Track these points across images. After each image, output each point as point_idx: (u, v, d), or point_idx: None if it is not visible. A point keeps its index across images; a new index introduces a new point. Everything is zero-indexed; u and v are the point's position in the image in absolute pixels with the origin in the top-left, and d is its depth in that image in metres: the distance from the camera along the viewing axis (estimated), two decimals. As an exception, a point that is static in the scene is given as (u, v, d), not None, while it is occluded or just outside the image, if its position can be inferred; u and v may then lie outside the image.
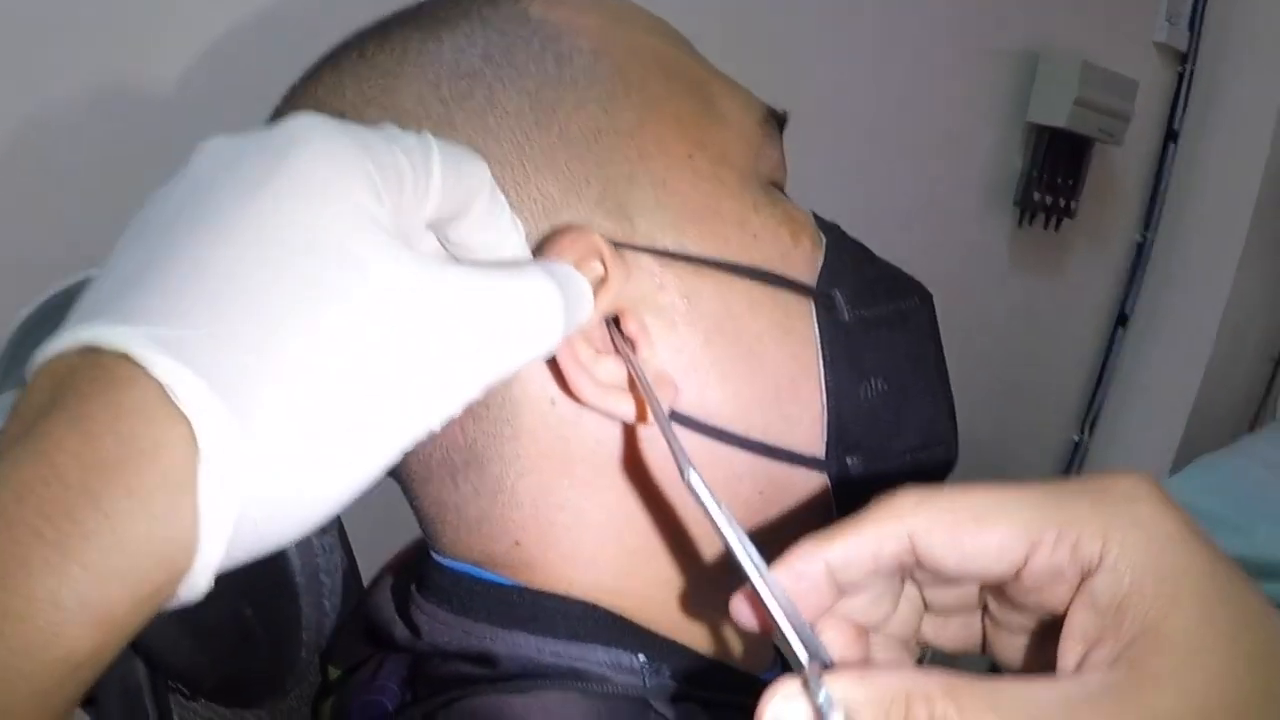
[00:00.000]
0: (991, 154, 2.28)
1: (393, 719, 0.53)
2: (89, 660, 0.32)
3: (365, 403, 0.37)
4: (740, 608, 0.41)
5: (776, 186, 0.58)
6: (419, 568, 0.58)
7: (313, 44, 0.56)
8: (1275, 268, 2.70)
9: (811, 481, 0.55)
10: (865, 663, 0.41)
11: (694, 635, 0.55)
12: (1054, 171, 2.31)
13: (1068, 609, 0.38)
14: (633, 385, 0.50)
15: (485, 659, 0.52)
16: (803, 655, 0.38)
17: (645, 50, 0.55)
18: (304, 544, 0.42)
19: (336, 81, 0.53)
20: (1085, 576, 0.37)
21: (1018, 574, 0.38)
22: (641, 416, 0.50)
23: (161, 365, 0.33)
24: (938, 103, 2.10)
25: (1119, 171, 2.56)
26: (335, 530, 0.44)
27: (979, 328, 2.21)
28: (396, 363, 0.37)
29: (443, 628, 0.53)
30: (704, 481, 0.42)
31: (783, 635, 0.38)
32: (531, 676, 0.51)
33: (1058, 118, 2.20)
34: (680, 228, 0.52)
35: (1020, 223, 2.35)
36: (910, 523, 0.38)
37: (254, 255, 0.36)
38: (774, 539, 0.54)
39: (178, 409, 0.33)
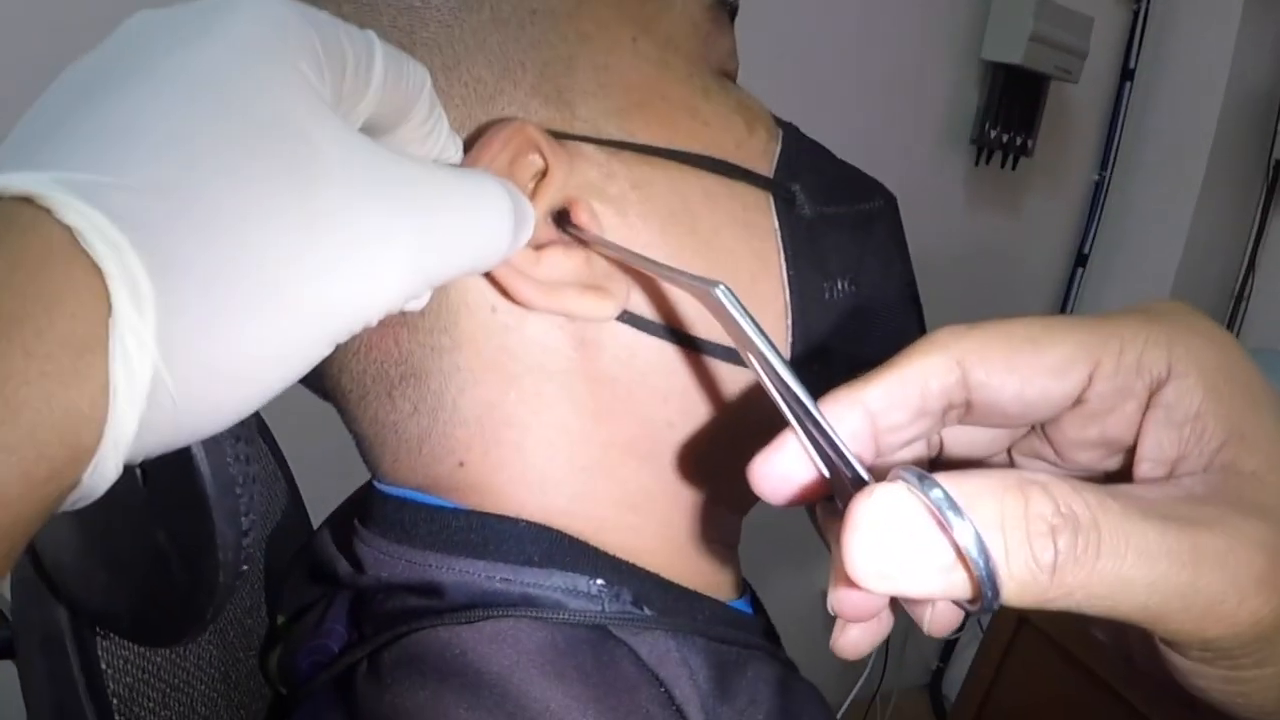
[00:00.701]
0: (947, 92, 2.27)
1: (339, 662, 0.49)
2: None
3: (297, 274, 0.32)
4: (768, 469, 0.36)
5: (729, 77, 0.54)
6: (362, 500, 0.54)
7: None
8: (1233, 204, 2.71)
9: None
10: None
11: (656, 559, 0.52)
12: (1010, 109, 2.30)
13: (1137, 433, 0.35)
14: (588, 278, 0.47)
15: (431, 589, 0.49)
16: (869, 478, 0.33)
17: None
18: (215, 455, 0.38)
19: None
20: (1155, 390, 0.34)
21: (1080, 398, 0.35)
22: (612, 307, 0.47)
23: (71, 207, 0.28)
24: (891, 40, 2.09)
25: (1075, 110, 2.55)
26: (253, 441, 0.40)
27: (936, 269, 2.18)
28: (335, 235, 0.33)
29: (386, 559, 0.50)
30: (735, 295, 0.38)
31: (849, 465, 0.33)
32: (481, 606, 0.47)
33: (1013, 55, 2.18)
34: (625, 114, 0.49)
35: (977, 162, 2.35)
36: (960, 349, 0.35)
37: (183, 105, 0.31)
38: (733, 452, 0.51)
39: (88, 257, 0.28)
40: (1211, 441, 0.33)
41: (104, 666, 0.59)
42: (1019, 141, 2.33)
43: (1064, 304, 2.75)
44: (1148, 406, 0.35)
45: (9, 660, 0.65)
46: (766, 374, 0.36)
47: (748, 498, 0.49)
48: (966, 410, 0.36)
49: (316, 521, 0.82)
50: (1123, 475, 0.36)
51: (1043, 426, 0.39)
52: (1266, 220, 2.78)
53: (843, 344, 0.53)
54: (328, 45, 0.35)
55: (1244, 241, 2.80)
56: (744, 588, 0.60)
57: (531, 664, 0.45)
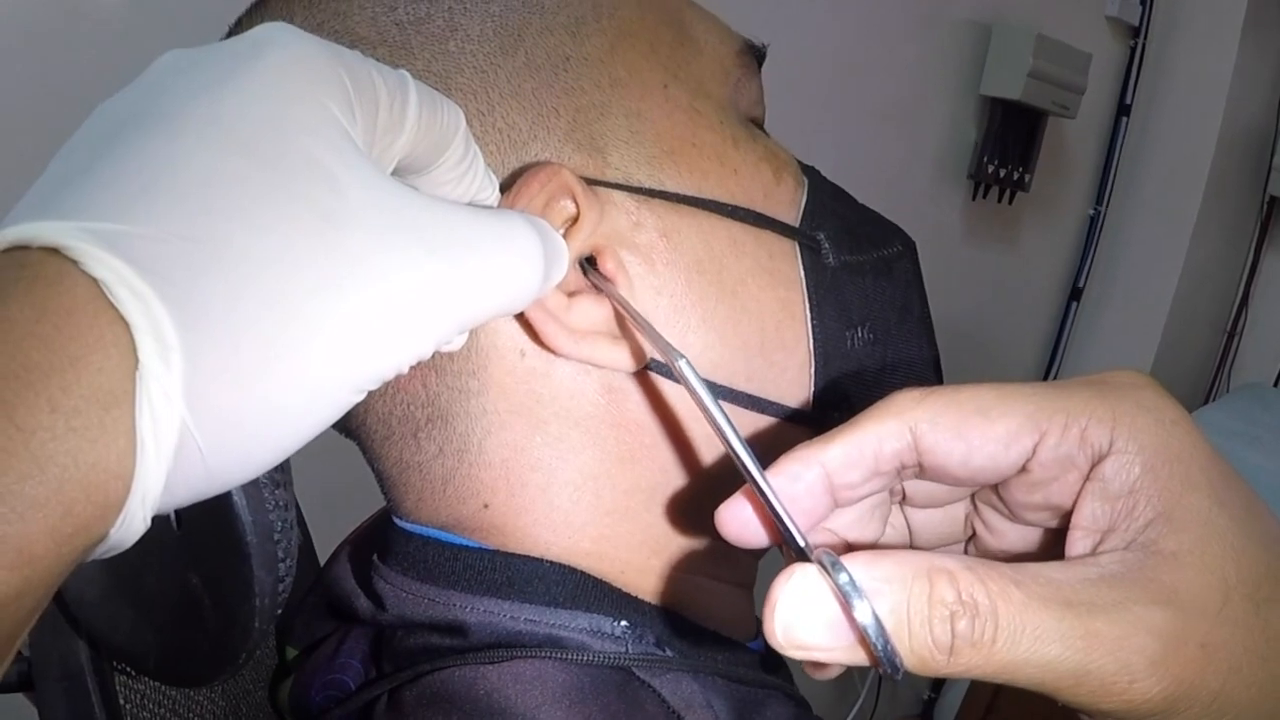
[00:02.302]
0: (945, 127, 2.28)
1: (356, 698, 0.49)
2: (7, 605, 0.26)
3: (327, 324, 0.32)
4: (731, 514, 0.39)
5: (756, 123, 0.55)
6: (381, 535, 0.54)
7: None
8: (1227, 239, 2.73)
9: (797, 438, 0.52)
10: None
11: (679, 600, 0.52)
12: (1007, 144, 2.31)
13: (1075, 501, 0.37)
14: (616, 328, 0.48)
15: (455, 629, 0.48)
16: (804, 544, 0.36)
17: None
18: (255, 500, 0.38)
19: (284, 8, 0.49)
20: (1095, 463, 0.36)
21: (1025, 467, 0.37)
22: (638, 359, 0.48)
23: (97, 259, 0.28)
24: (891, 76, 2.10)
25: (1072, 144, 2.57)
26: (290, 486, 0.40)
27: (933, 301, 2.16)
28: (363, 283, 0.33)
29: (408, 597, 0.50)
30: (695, 370, 0.41)
31: (786, 530, 0.36)
32: (505, 646, 0.47)
33: (1011, 90, 2.20)
34: (656, 162, 0.49)
35: (974, 196, 2.36)
36: (912, 417, 0.37)
37: (209, 151, 0.31)
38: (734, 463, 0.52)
39: (114, 309, 0.28)
40: (1139, 519, 0.34)
41: (122, 701, 0.59)
42: (1016, 176, 2.34)
43: (1058, 337, 2.76)
44: (1088, 478, 0.36)
45: (27, 692, 0.65)
46: (723, 441, 0.39)
47: None
48: (919, 470, 0.38)
49: (320, 546, 0.82)
50: (1062, 534, 0.38)
51: (994, 485, 0.40)
52: (1260, 255, 2.80)
53: (863, 390, 0.54)
54: (359, 84, 0.35)
55: (1238, 276, 2.82)
56: (758, 626, 0.60)
57: (558, 705, 0.45)
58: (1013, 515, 0.40)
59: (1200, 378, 2.89)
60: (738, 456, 0.38)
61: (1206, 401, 2.83)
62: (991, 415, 0.36)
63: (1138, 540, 0.34)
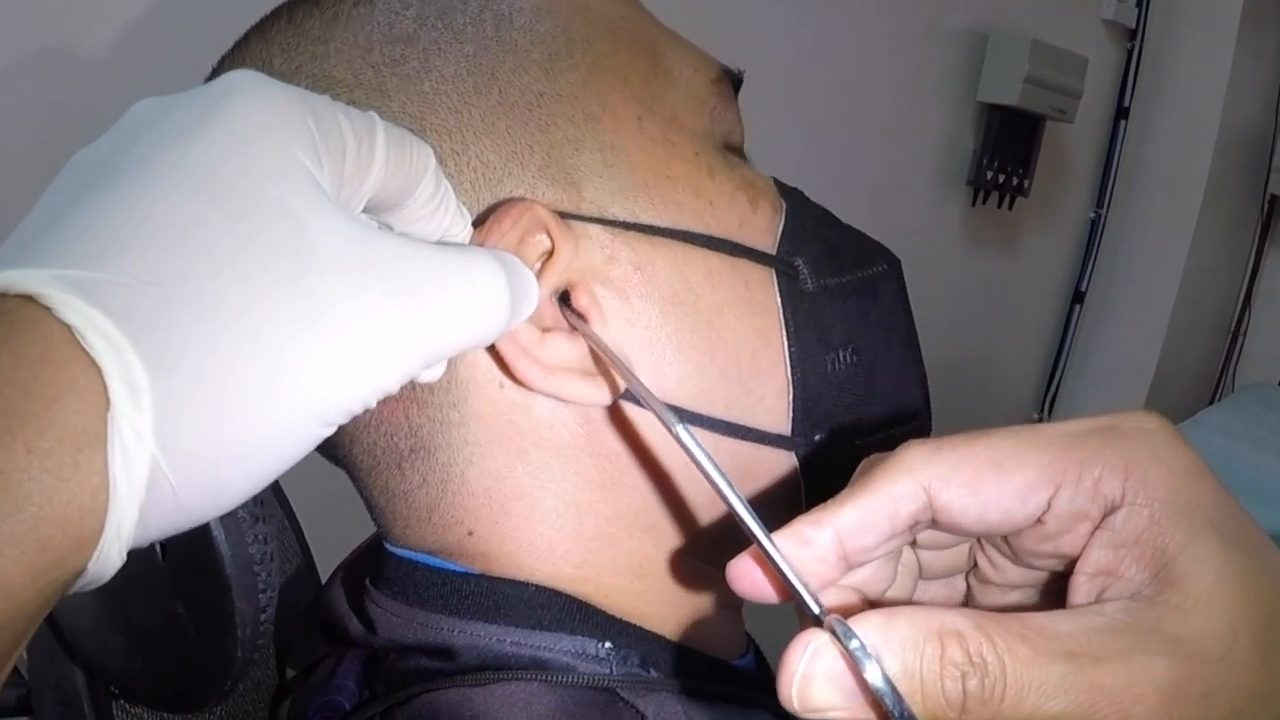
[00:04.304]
0: (943, 134, 2.29)
1: (350, 719, 0.50)
2: None
3: (293, 363, 0.33)
4: (741, 573, 0.38)
5: (734, 150, 0.55)
6: (374, 559, 0.55)
7: (259, 8, 0.53)
8: (1228, 240, 2.73)
9: (778, 462, 0.53)
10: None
11: (663, 621, 0.53)
12: (1006, 150, 2.31)
13: (1082, 550, 0.37)
14: (590, 364, 0.48)
15: (443, 651, 0.49)
16: (818, 610, 0.36)
17: (590, 7, 0.53)
18: (234, 535, 0.39)
19: (263, 51, 0.50)
20: (1107, 514, 0.36)
21: (1039, 520, 0.37)
22: (613, 390, 0.48)
23: (69, 306, 0.29)
24: (888, 84, 2.10)
25: (1071, 149, 2.57)
26: (271, 519, 0.41)
27: (934, 309, 2.19)
28: (329, 324, 0.34)
29: (398, 621, 0.51)
30: (695, 438, 0.40)
31: (795, 591, 0.36)
32: (493, 668, 0.48)
33: (1009, 96, 2.21)
34: (631, 195, 0.50)
35: (974, 202, 2.36)
36: (925, 476, 0.36)
37: (178, 198, 0.33)
38: (735, 523, 0.52)
39: (86, 354, 0.29)
40: (1145, 570, 0.35)
41: (118, 724, 0.60)
42: (1015, 181, 2.35)
43: (1061, 342, 2.75)
44: (1097, 528, 0.36)
45: (26, 718, 0.65)
46: (729, 506, 0.38)
47: None
48: (932, 524, 0.38)
49: (321, 563, 0.82)
50: (1065, 576, 0.38)
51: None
52: (1262, 256, 2.80)
53: (844, 414, 0.54)
54: (325, 130, 0.36)
55: (1240, 277, 2.82)
56: (747, 644, 0.61)
57: None
58: (1018, 560, 0.40)
59: (1204, 379, 2.88)
60: (744, 523, 0.37)
61: (1211, 402, 2.82)
62: (1006, 468, 0.36)
63: (1143, 591, 0.34)
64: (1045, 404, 2.78)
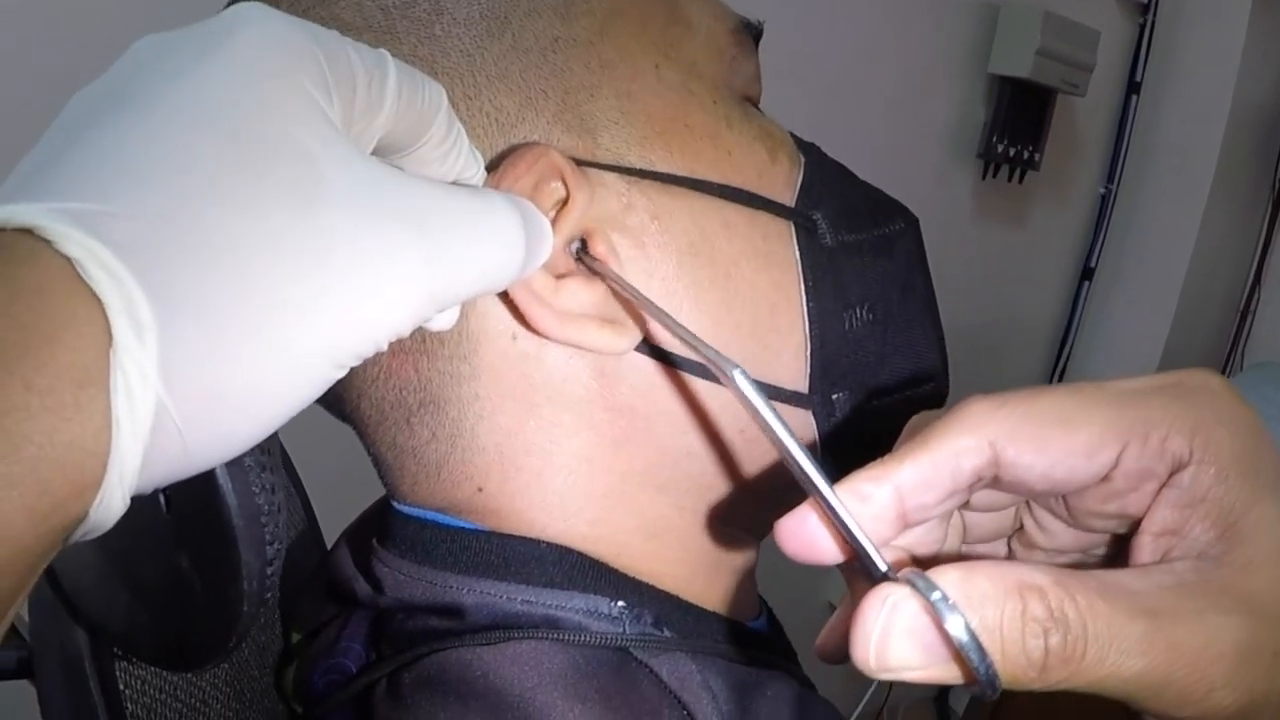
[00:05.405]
0: (954, 106, 2.27)
1: (356, 681, 0.49)
2: None
3: (301, 298, 0.32)
4: (792, 531, 0.36)
5: (751, 102, 0.54)
6: (380, 519, 0.54)
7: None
8: (1239, 217, 2.71)
9: (794, 420, 0.52)
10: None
11: (676, 581, 0.52)
12: (1017, 123, 2.29)
13: (1147, 509, 0.36)
14: (608, 310, 0.47)
15: (452, 611, 0.48)
16: (884, 567, 0.35)
17: None
18: (241, 484, 0.38)
19: None
20: (1174, 472, 0.35)
21: (1106, 477, 0.36)
22: (629, 342, 0.47)
23: (69, 238, 0.28)
24: (898, 55, 2.09)
25: (1082, 123, 2.55)
26: (278, 469, 0.40)
27: (944, 282, 2.16)
28: (337, 258, 0.33)
29: (406, 580, 0.50)
30: (751, 382, 0.38)
31: (861, 548, 0.35)
32: (503, 627, 0.47)
33: (1020, 69, 2.18)
34: (648, 143, 0.49)
35: (984, 175, 2.34)
36: (990, 432, 0.35)
37: (183, 131, 0.31)
38: (751, 481, 0.51)
39: (88, 288, 0.28)
40: (1212, 530, 0.34)
41: (122, 687, 0.59)
42: (1026, 155, 2.33)
43: (1070, 317, 2.74)
44: (1164, 484, 0.36)
45: (27, 679, 0.65)
46: (785, 456, 0.37)
47: (764, 525, 0.49)
48: (994, 482, 0.37)
49: (327, 531, 0.82)
50: (1125, 538, 0.38)
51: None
52: (1273, 233, 2.78)
53: (862, 372, 0.53)
54: (334, 63, 0.35)
55: (1250, 254, 2.80)
56: (760, 607, 0.60)
57: (554, 686, 0.45)
58: (1074, 521, 0.39)
59: (1214, 356, 2.87)
60: (806, 476, 0.35)
61: (1220, 380, 2.81)
62: (1073, 425, 0.35)
63: (1210, 551, 0.34)
64: (1053, 380, 2.77)
